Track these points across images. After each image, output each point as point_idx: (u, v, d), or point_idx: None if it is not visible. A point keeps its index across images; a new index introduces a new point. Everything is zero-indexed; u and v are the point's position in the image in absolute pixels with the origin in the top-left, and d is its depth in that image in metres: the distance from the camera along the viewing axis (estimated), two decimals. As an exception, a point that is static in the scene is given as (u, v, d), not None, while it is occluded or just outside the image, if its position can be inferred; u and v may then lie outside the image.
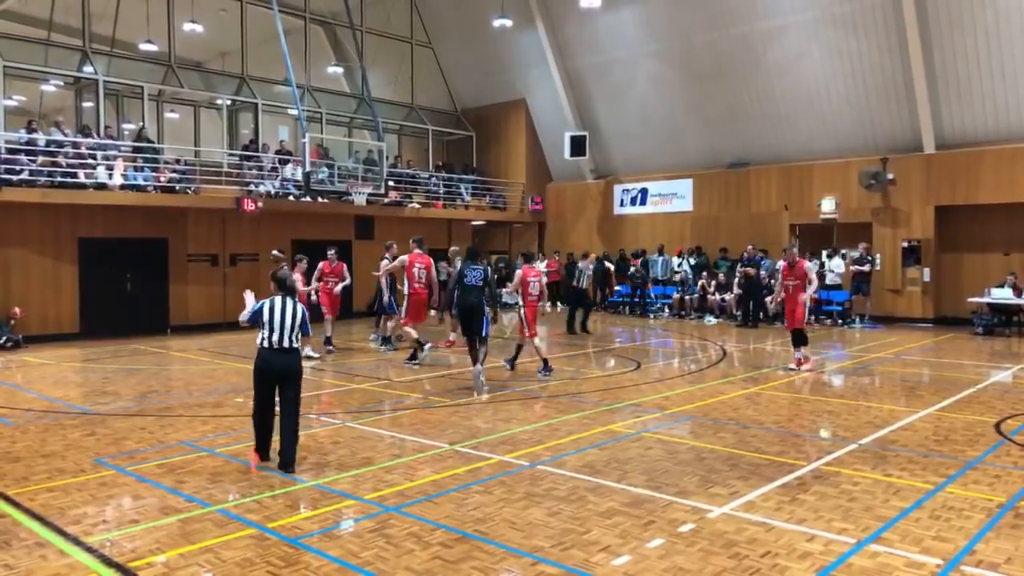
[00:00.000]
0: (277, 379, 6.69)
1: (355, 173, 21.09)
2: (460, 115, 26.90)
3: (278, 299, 6.73)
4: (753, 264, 18.44)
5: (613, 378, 11.41)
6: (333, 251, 14.47)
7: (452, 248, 15.87)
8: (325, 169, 20.49)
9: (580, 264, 17.56)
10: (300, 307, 6.82)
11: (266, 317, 6.62)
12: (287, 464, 6.56)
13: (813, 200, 20.00)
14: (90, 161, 16.88)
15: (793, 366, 11.75)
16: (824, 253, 19.51)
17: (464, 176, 25.37)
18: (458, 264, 12.13)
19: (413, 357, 12.36)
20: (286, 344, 6.62)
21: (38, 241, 16.55)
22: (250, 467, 6.73)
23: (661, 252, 22.13)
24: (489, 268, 11.24)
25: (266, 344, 6.61)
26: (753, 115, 20.69)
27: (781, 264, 12.88)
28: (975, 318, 16.81)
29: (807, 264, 11.95)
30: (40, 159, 16.23)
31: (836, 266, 18.80)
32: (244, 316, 6.77)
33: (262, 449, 6.83)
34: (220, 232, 19.35)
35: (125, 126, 20.95)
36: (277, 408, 6.82)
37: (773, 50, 19.62)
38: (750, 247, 18.92)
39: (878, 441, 7.44)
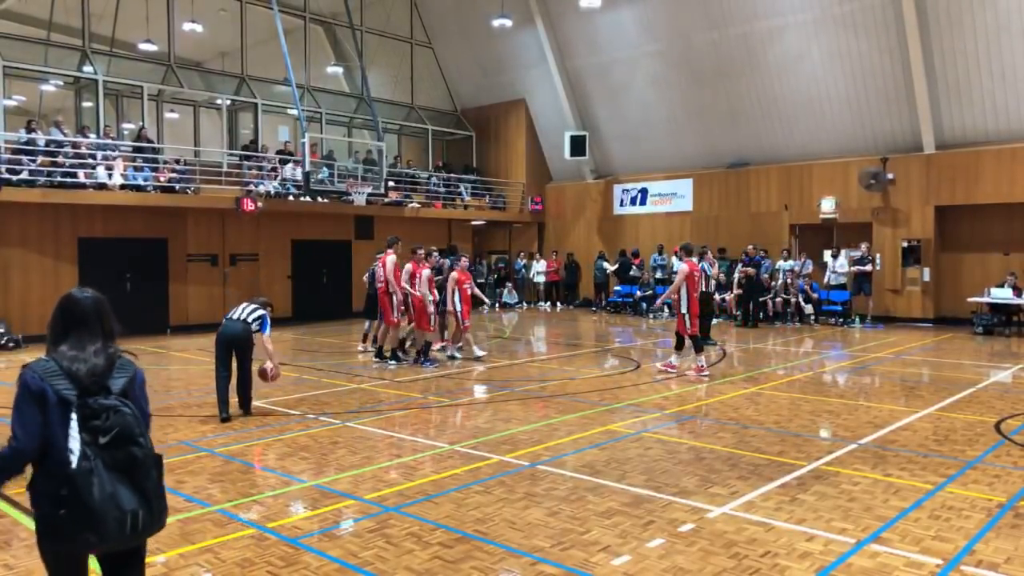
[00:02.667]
0: (227, 346, 8.71)
1: (355, 173, 21.10)
2: (460, 115, 26.90)
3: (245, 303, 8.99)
4: (754, 264, 18.45)
5: (613, 378, 11.41)
6: (423, 250, 13.32)
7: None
8: (325, 169, 20.50)
9: (705, 265, 15.02)
10: (264, 313, 8.80)
11: (236, 310, 8.86)
12: (246, 406, 8.95)
13: (813, 200, 20.00)
14: (90, 161, 16.89)
15: (692, 371, 11.37)
16: (828, 253, 19.50)
17: (464, 176, 25.37)
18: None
19: (393, 357, 12.74)
20: (239, 318, 8.70)
21: (38, 241, 16.54)
22: (251, 467, 6.74)
23: (660, 252, 22.13)
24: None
25: (227, 319, 8.77)
26: (753, 115, 20.69)
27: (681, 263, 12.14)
28: (975, 318, 16.81)
29: (682, 266, 11.65)
30: (40, 159, 16.23)
31: (840, 266, 18.81)
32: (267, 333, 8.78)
33: (225, 409, 8.63)
34: (220, 232, 19.34)
35: (125, 126, 20.94)
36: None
37: (773, 50, 19.62)
38: (751, 247, 18.91)
39: (878, 441, 7.45)
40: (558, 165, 25.39)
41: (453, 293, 13.00)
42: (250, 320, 8.69)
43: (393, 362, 12.62)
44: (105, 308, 3.04)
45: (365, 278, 14.39)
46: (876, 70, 18.34)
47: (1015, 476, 6.25)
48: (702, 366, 11.32)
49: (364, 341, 14.58)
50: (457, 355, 13.14)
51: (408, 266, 12.64)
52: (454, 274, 13.14)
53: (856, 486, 6.00)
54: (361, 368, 12.45)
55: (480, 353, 13.07)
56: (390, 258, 12.68)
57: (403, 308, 12.71)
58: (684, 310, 11.37)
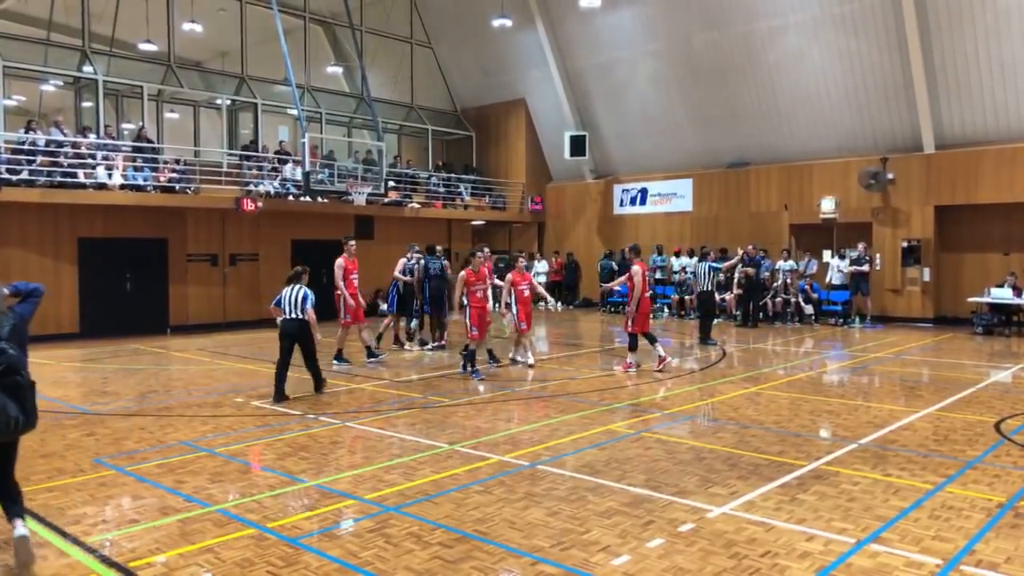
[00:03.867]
0: (290, 339, 9.70)
1: (355, 173, 21.09)
2: (460, 115, 26.89)
3: (288, 287, 9.78)
4: (753, 264, 18.43)
5: (613, 378, 11.41)
6: (482, 253, 12.68)
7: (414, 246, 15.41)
8: (325, 169, 20.49)
9: (712, 263, 15.78)
10: (304, 289, 9.71)
11: (284, 300, 9.75)
12: (319, 387, 10.09)
13: (813, 200, 20.00)
14: (90, 161, 16.88)
15: (620, 369, 11.87)
16: (828, 253, 19.48)
17: (464, 176, 25.37)
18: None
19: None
20: (294, 315, 9.65)
21: (38, 241, 16.54)
22: (251, 467, 6.74)
23: (660, 252, 22.12)
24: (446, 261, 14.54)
25: (284, 317, 9.73)
26: (753, 115, 20.68)
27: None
28: (975, 318, 16.81)
29: (633, 267, 11.91)
30: (40, 159, 16.23)
31: (841, 266, 18.80)
32: (273, 304, 10.02)
33: (280, 394, 9.59)
34: (219, 232, 19.34)
35: (125, 126, 20.95)
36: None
37: (773, 50, 19.62)
38: (751, 247, 18.90)
39: (878, 441, 7.45)
40: (558, 165, 25.39)
41: (509, 295, 12.49)
42: (300, 314, 9.62)
43: (376, 360, 12.89)
44: None
45: (398, 272, 14.33)
46: (876, 70, 18.34)
47: (1015, 476, 6.25)
48: (630, 363, 11.83)
49: (407, 339, 14.84)
50: (526, 359, 12.62)
51: (339, 260, 12.97)
52: (509, 275, 12.72)
53: (856, 486, 6.00)
54: (360, 368, 12.45)
55: (532, 361, 12.50)
56: (339, 260, 12.88)
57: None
58: (634, 308, 11.84)
